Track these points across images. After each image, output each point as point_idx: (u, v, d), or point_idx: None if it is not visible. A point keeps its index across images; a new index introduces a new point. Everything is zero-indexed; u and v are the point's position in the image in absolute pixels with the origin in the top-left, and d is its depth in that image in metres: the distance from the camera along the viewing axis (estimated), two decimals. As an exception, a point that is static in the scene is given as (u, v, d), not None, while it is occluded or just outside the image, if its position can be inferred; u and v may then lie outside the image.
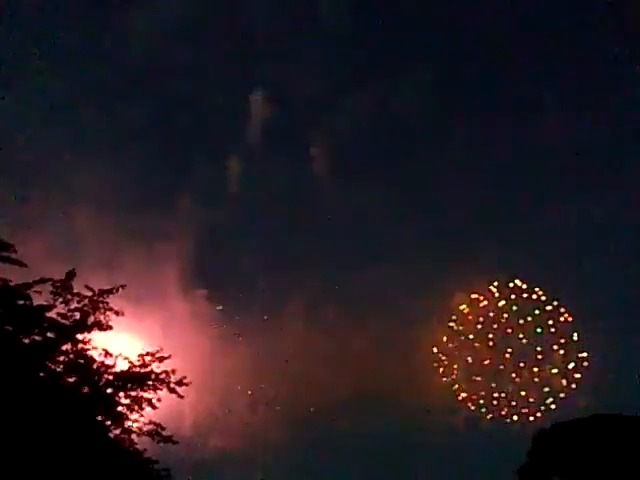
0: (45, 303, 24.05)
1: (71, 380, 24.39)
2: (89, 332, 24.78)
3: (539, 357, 70.95)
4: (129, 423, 25.59)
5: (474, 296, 76.09)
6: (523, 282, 67.55)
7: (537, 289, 65.86)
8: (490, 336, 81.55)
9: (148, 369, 25.73)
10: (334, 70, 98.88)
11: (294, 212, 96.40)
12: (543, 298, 66.06)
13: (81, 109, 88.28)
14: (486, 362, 78.04)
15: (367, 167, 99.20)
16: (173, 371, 26.07)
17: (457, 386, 71.62)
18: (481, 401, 69.95)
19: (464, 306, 76.85)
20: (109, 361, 25.15)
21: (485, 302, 78.46)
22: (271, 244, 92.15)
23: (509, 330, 75.62)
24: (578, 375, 69.24)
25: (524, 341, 75.03)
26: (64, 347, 24.46)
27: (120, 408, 25.32)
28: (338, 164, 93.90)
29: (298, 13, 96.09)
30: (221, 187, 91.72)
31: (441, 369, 72.51)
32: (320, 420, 76.90)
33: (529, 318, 68.83)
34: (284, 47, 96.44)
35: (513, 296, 71.26)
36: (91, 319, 24.73)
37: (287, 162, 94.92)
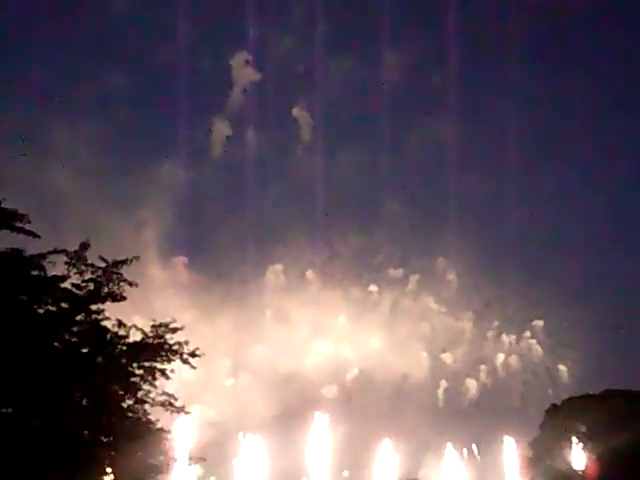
0: (59, 274, 24.15)
1: (85, 350, 24.47)
2: (103, 303, 24.83)
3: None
4: (142, 393, 25.68)
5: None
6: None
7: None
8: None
9: (161, 340, 25.75)
10: (319, 35, 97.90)
11: (277, 178, 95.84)
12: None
13: (64, 73, 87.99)
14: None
15: (351, 132, 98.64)
16: (186, 342, 26.06)
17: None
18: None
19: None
20: (122, 332, 25.18)
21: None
22: (254, 211, 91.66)
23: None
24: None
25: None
26: (78, 317, 24.53)
27: (134, 378, 25.42)
28: (322, 129, 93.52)
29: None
30: (203, 152, 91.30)
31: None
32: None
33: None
34: (267, 11, 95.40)
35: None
36: (105, 290, 24.77)
37: (270, 127, 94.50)
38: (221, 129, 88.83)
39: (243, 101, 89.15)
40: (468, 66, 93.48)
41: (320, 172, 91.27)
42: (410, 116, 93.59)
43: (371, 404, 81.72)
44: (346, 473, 78.17)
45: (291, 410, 77.34)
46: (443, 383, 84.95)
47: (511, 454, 77.26)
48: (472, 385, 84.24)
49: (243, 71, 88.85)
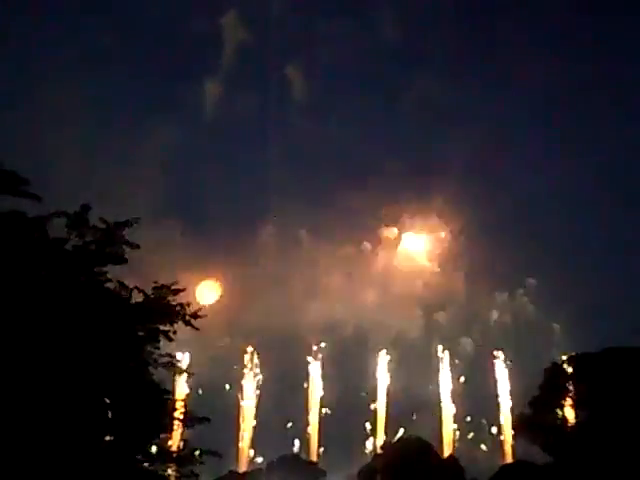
0: (61, 236, 24.15)
1: (87, 312, 24.51)
2: (105, 265, 24.87)
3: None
4: (145, 355, 25.83)
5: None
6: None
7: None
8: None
9: (164, 302, 25.80)
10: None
11: (270, 138, 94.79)
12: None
13: (58, 32, 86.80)
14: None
15: (343, 94, 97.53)
16: (188, 304, 26.14)
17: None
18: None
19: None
20: (124, 293, 25.22)
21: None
22: (247, 171, 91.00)
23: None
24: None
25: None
26: (80, 280, 24.56)
27: (136, 340, 25.54)
28: (313, 89, 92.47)
29: None
30: (196, 113, 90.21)
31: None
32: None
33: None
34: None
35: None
36: (106, 252, 24.76)
37: (263, 87, 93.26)
38: (214, 90, 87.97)
39: (235, 61, 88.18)
40: (464, 25, 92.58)
41: (314, 132, 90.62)
42: (405, 76, 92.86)
43: (365, 363, 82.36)
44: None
45: (286, 368, 78.34)
46: (437, 341, 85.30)
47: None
48: (467, 343, 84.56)
49: (235, 31, 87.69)
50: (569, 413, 49.11)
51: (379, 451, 70.53)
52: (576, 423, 48.36)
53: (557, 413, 49.50)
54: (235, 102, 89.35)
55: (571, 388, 49.20)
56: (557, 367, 53.11)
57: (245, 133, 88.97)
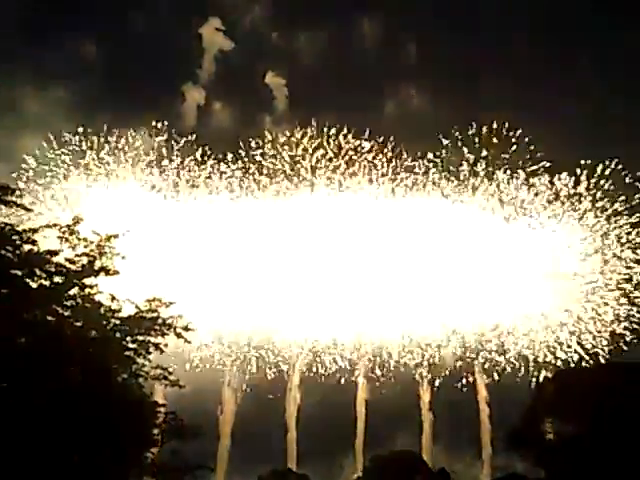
0: (52, 248, 24.11)
1: (78, 324, 24.47)
2: (96, 277, 24.82)
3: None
4: (136, 367, 25.79)
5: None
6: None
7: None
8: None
9: (155, 314, 25.79)
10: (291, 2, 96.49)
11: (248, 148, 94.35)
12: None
13: (34, 38, 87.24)
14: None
15: (323, 101, 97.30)
16: (180, 316, 26.15)
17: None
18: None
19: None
20: (116, 306, 25.18)
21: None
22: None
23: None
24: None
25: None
26: (71, 292, 24.50)
27: (127, 352, 25.48)
28: (293, 98, 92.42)
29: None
30: (175, 121, 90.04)
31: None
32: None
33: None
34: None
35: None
36: (98, 264, 24.72)
37: (244, 95, 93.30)
38: (193, 98, 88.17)
39: (215, 70, 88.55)
40: (445, 33, 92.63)
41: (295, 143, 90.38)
42: (387, 84, 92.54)
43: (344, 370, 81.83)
44: None
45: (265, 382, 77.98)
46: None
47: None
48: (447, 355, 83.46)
49: (215, 39, 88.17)
50: (561, 427, 48.97)
51: (367, 464, 70.06)
52: (568, 437, 48.26)
53: (549, 427, 49.37)
54: (213, 111, 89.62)
55: (561, 403, 49.10)
56: (548, 381, 53.09)
57: (223, 142, 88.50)
